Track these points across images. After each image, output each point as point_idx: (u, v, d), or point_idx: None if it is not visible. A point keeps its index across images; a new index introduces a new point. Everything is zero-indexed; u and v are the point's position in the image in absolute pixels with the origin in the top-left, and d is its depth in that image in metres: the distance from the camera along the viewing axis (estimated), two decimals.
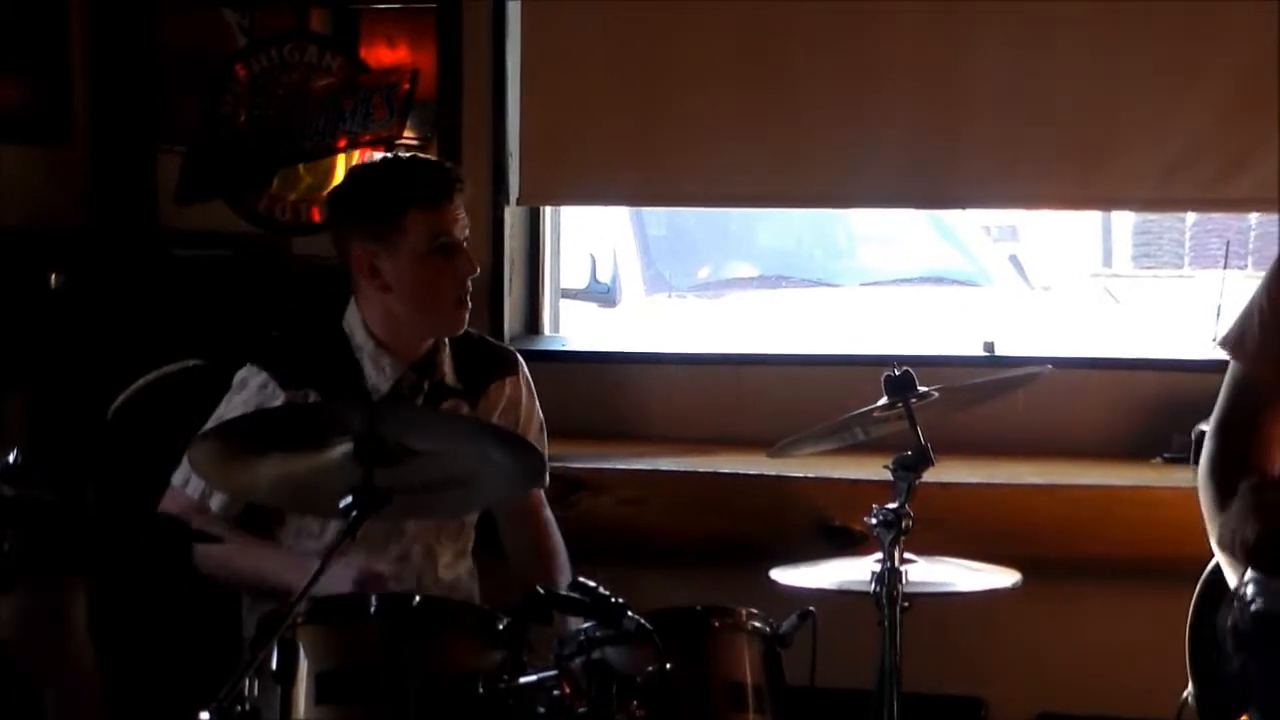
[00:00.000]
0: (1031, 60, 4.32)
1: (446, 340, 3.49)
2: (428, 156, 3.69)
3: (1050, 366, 3.62)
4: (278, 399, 3.35)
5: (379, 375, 3.42)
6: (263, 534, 3.42)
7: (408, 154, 3.96)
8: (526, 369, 3.63)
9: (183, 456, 3.25)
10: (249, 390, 3.39)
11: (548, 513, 3.66)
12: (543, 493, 3.67)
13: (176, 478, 3.38)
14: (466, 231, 3.41)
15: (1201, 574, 3.09)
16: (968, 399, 3.63)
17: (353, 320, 3.44)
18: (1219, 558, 2.87)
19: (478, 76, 4.56)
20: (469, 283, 3.40)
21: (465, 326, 3.46)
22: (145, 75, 4.70)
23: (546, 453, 3.63)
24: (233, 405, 3.39)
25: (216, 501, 3.34)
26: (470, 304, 3.43)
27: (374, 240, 3.37)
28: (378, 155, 4.36)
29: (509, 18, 4.56)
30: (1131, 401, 4.35)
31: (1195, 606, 3.13)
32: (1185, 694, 3.13)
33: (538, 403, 3.64)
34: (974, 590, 3.32)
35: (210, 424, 3.29)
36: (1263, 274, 2.89)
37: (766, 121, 4.46)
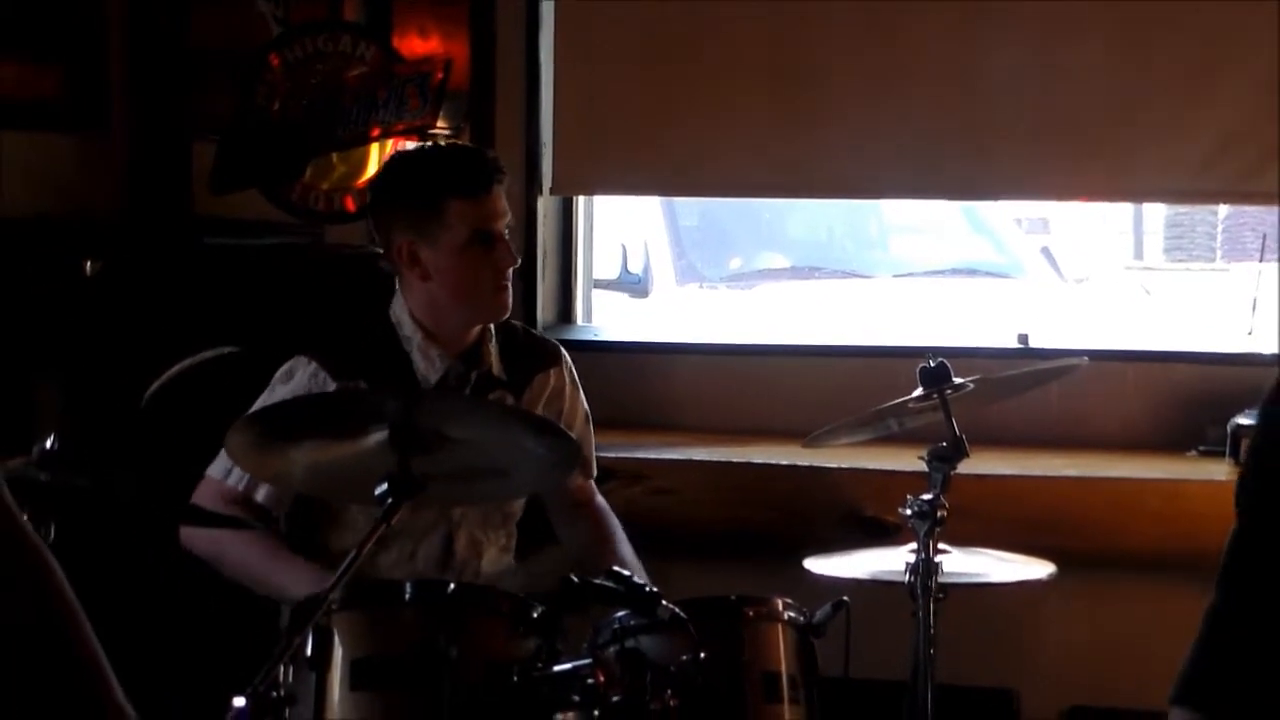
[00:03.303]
0: (1062, 52, 4.30)
1: (493, 331, 3.46)
2: (468, 145, 3.65)
3: (1086, 358, 3.61)
4: (329, 390, 3.31)
5: (428, 366, 3.39)
6: (314, 534, 3.40)
7: (449, 142, 3.94)
8: (571, 362, 3.61)
9: (219, 445, 3.24)
10: (297, 380, 3.34)
11: (600, 502, 3.61)
12: (594, 484, 3.64)
13: (215, 469, 3.33)
14: (508, 220, 3.37)
15: None
16: (1003, 390, 3.62)
17: (399, 310, 3.42)
18: None
19: (511, 66, 4.56)
20: (509, 271, 3.37)
21: (509, 311, 3.42)
22: (181, 64, 4.71)
23: (594, 445, 3.63)
24: (275, 396, 3.34)
25: (263, 494, 3.31)
26: (511, 289, 3.38)
27: (414, 230, 3.34)
28: (412, 145, 4.35)
29: (542, 8, 4.56)
30: (1166, 394, 4.33)
31: None
32: None
33: (583, 395, 3.60)
34: (1008, 581, 3.32)
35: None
36: None
37: (797, 112, 4.46)
